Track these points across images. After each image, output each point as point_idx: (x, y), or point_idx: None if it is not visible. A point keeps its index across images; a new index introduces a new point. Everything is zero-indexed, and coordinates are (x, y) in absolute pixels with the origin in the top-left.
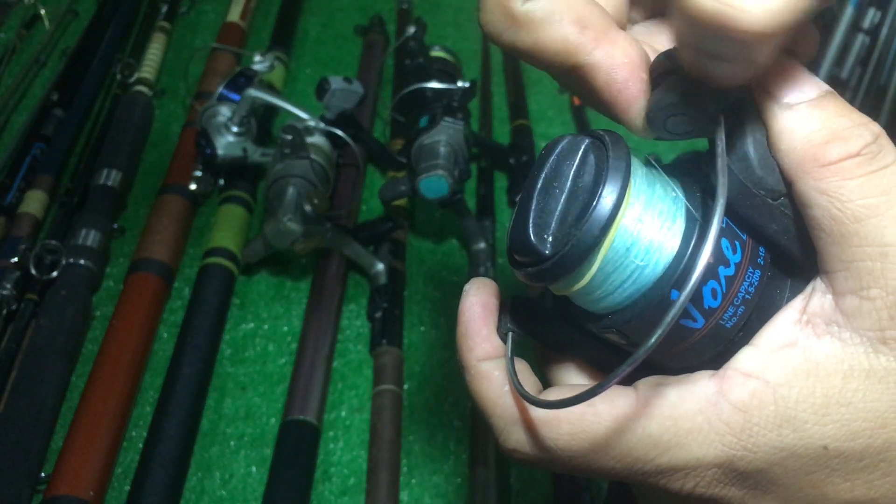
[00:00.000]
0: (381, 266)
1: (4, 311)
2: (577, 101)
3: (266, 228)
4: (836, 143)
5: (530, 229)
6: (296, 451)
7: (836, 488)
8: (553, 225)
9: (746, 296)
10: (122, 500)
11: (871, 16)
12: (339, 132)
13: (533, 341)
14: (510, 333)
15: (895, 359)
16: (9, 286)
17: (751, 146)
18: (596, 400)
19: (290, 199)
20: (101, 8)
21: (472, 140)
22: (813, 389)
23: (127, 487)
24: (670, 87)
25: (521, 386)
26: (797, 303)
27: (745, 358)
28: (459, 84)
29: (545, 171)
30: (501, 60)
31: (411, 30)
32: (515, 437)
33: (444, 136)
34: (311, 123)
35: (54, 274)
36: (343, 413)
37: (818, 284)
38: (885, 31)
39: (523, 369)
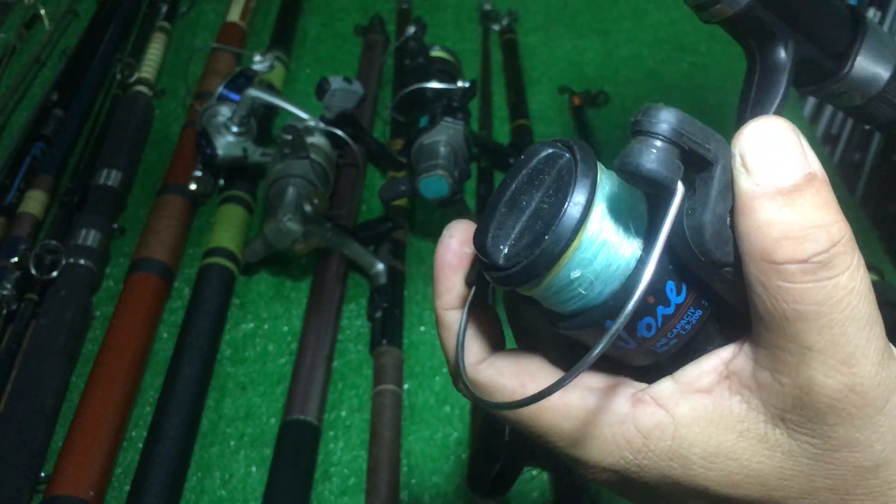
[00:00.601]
0: (381, 266)
1: (4, 311)
2: (577, 101)
3: (266, 228)
4: (788, 243)
5: (488, 239)
6: (296, 451)
7: None
8: (511, 238)
9: (682, 331)
10: (122, 500)
11: (872, 15)
12: (339, 132)
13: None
14: (473, 288)
15: (786, 436)
16: (9, 286)
17: (708, 217)
18: (530, 383)
19: (290, 199)
20: (101, 8)
21: (472, 140)
22: (709, 437)
23: (127, 487)
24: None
25: (464, 369)
26: (725, 353)
27: (663, 388)
28: (459, 84)
29: (516, 182)
30: (501, 60)
31: (411, 30)
32: (461, 386)
33: (444, 136)
34: (311, 123)
35: (54, 274)
36: (343, 413)
37: (745, 347)
38: (885, 30)
39: (486, 322)
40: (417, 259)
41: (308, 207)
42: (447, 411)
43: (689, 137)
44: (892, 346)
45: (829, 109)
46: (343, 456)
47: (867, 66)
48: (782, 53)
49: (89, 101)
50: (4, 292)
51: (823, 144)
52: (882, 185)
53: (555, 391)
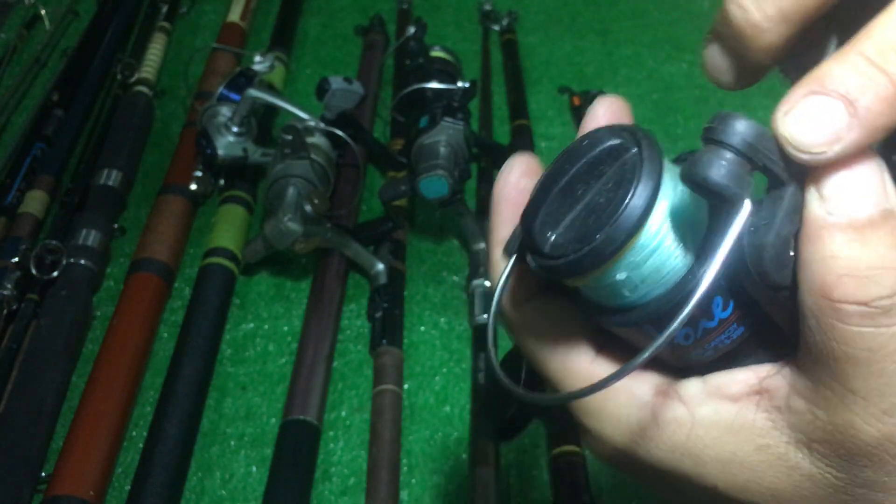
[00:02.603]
0: (381, 266)
1: (5, 311)
2: (576, 100)
3: (266, 228)
4: (851, 281)
5: (537, 223)
6: (296, 450)
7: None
8: (561, 227)
9: (720, 345)
10: (122, 500)
11: None
12: (340, 132)
13: None
14: (513, 259)
15: (808, 462)
16: (9, 286)
17: (772, 238)
18: (564, 348)
19: (290, 199)
20: (102, 8)
21: (472, 140)
22: (725, 444)
23: (127, 487)
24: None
25: (497, 366)
26: (762, 370)
27: (689, 387)
28: (459, 84)
29: (576, 168)
30: (501, 60)
31: (411, 30)
32: (503, 321)
33: (444, 136)
34: (312, 123)
35: (55, 274)
36: (343, 413)
37: (785, 371)
38: None
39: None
40: (417, 259)
41: (308, 207)
42: (447, 411)
43: (764, 154)
44: None
45: None
46: (343, 456)
47: None
48: None
49: (90, 102)
50: (5, 292)
51: None
52: None
53: (588, 394)
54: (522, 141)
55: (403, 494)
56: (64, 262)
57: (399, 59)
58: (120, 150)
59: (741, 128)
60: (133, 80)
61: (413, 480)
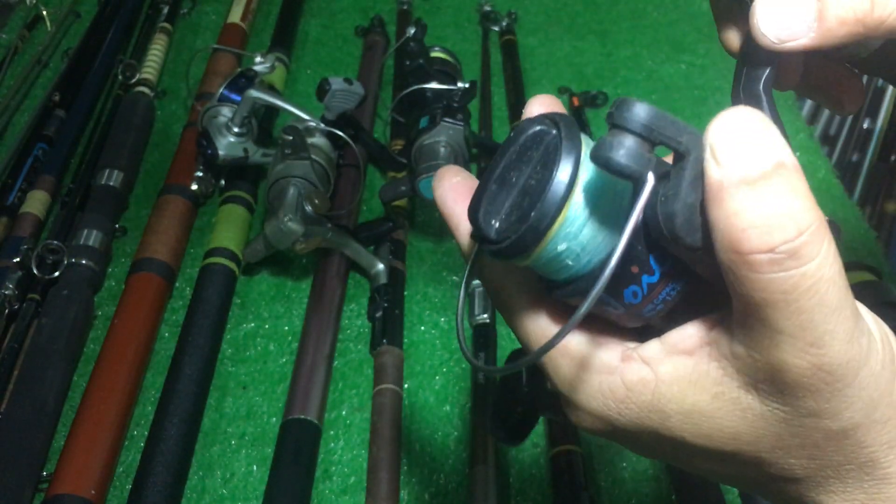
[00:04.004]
0: (381, 266)
1: (7, 311)
2: (576, 101)
3: (267, 228)
4: (754, 232)
5: (480, 213)
6: (296, 450)
7: (693, 459)
8: (502, 213)
9: (667, 297)
10: (123, 499)
11: None
12: (340, 133)
13: None
14: (476, 248)
15: (758, 401)
16: (11, 286)
17: (678, 206)
18: (537, 317)
19: (290, 199)
20: (103, 9)
21: (472, 140)
22: (686, 395)
23: (128, 486)
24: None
25: (464, 345)
26: (708, 321)
27: (650, 348)
28: (459, 85)
29: (505, 158)
30: (501, 61)
31: (411, 31)
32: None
33: (444, 136)
34: (312, 124)
35: (56, 274)
36: (344, 412)
37: (723, 319)
38: None
39: None
40: (418, 259)
41: (309, 208)
42: (447, 411)
43: (658, 132)
44: (865, 317)
45: (827, 110)
46: (343, 455)
47: None
48: None
49: (91, 102)
50: (6, 292)
51: (822, 145)
52: (880, 186)
53: (535, 359)
54: None
55: (403, 493)
56: (65, 262)
57: (399, 59)
58: (121, 150)
59: (638, 110)
60: (134, 80)
61: (413, 479)
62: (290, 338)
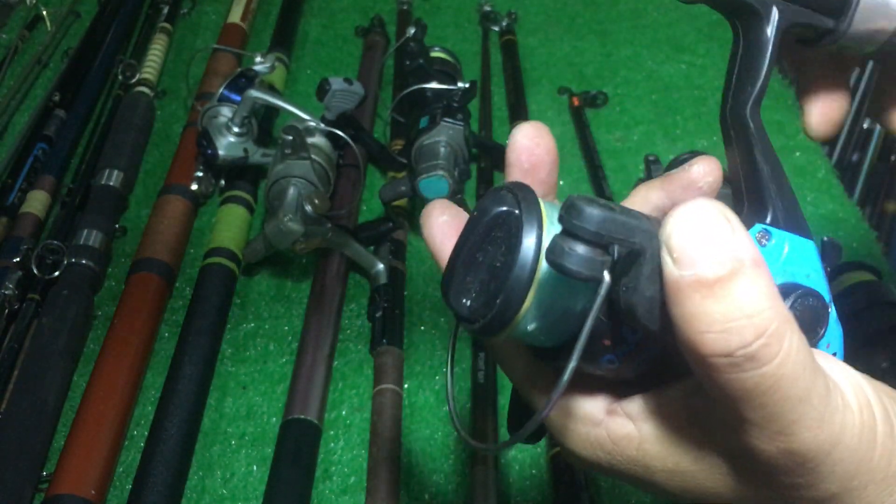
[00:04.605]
0: (381, 266)
1: (7, 311)
2: (576, 101)
3: (267, 228)
4: (711, 336)
5: (451, 294)
6: (296, 449)
7: (683, 500)
8: (472, 293)
9: (648, 357)
10: (123, 499)
11: None
12: (340, 133)
13: None
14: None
15: (736, 469)
16: (11, 286)
17: (638, 298)
18: (529, 370)
19: (290, 199)
20: (103, 9)
21: (472, 140)
22: (668, 456)
23: (128, 486)
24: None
25: (457, 423)
26: (688, 386)
27: (632, 405)
28: (459, 85)
29: (472, 238)
30: (501, 61)
31: (411, 31)
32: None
33: (444, 136)
34: (312, 124)
35: (56, 274)
36: (344, 412)
37: (701, 388)
38: None
39: None
40: (418, 259)
41: (309, 208)
42: (447, 411)
43: (610, 237)
44: (843, 386)
45: None
46: (343, 455)
47: (869, 16)
48: (766, 25)
49: (91, 102)
50: (6, 292)
51: (822, 144)
52: (880, 186)
53: (526, 433)
54: None
55: (403, 493)
56: (65, 262)
57: (399, 59)
58: (121, 150)
59: (588, 216)
60: (134, 80)
61: (413, 480)
62: (290, 338)
